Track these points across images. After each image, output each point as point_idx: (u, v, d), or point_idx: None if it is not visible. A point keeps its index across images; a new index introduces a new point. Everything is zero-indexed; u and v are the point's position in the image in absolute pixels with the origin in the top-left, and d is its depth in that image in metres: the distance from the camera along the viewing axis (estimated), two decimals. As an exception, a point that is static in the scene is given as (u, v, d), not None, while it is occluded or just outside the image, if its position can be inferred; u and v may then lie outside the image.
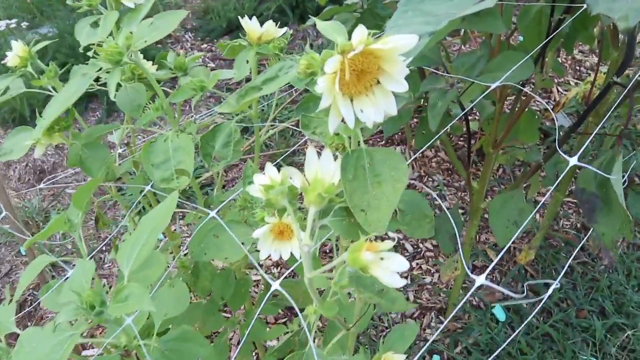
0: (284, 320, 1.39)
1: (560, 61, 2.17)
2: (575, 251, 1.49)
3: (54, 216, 1.69)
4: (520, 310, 1.38)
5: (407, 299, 1.41)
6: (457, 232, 0.92)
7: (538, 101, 2.06)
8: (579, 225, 1.59)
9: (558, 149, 0.65)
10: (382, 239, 0.50)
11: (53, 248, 1.71)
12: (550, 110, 1.94)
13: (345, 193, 0.48)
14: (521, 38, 1.06)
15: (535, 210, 0.68)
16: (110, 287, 1.46)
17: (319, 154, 0.49)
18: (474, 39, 1.55)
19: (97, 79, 0.86)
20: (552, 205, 1.31)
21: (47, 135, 0.79)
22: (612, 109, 0.71)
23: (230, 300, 0.92)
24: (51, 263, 0.79)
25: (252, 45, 0.72)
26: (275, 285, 0.59)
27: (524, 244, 1.41)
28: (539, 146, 1.81)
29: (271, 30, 0.72)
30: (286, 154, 1.78)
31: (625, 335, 1.34)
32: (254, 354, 1.29)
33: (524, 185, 1.03)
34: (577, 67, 2.26)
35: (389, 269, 0.44)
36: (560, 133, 1.95)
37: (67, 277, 0.62)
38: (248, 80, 0.56)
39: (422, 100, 1.13)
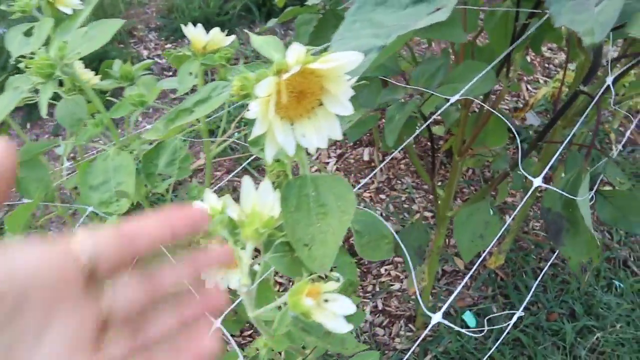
0: (249, 332, 1.34)
1: (529, 59, 2.16)
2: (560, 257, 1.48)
3: None
4: (491, 315, 1.36)
5: (376, 307, 1.37)
6: (421, 246, 0.89)
7: (507, 99, 2.04)
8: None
9: (520, 162, 0.62)
10: (326, 277, 0.46)
11: None
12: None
13: (287, 226, 0.43)
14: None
15: (507, 224, 0.65)
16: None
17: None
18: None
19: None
20: (522, 210, 1.29)
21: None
22: (582, 119, 0.68)
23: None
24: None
25: (196, 55, 0.67)
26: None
27: (494, 248, 1.39)
28: (508, 146, 1.79)
29: (217, 38, 0.67)
30: (252, 157, 1.73)
31: (595, 337, 1.33)
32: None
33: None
34: (546, 65, 2.25)
35: (334, 313, 0.40)
36: (530, 132, 1.94)
37: None
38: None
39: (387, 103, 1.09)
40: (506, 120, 0.65)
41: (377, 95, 0.81)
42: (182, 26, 0.67)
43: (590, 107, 0.61)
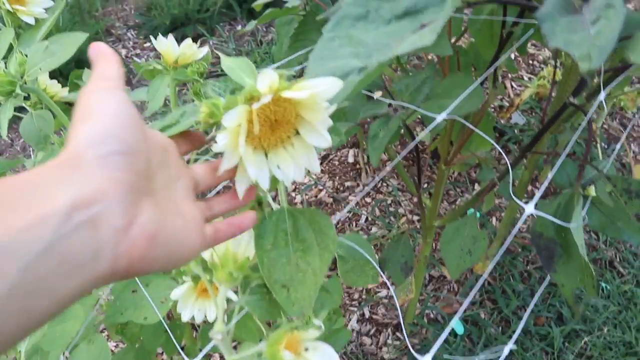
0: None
1: (512, 56, 2.14)
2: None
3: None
4: (479, 321, 1.34)
5: (363, 315, 1.35)
6: (407, 262, 0.86)
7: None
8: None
9: (510, 181, 0.59)
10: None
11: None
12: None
13: (262, 266, 0.40)
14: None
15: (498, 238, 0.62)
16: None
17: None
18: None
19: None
20: (508, 213, 1.27)
21: None
22: (575, 136, 0.66)
23: (165, 345, 0.83)
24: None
25: (167, 69, 0.63)
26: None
27: (481, 252, 1.37)
28: (492, 151, 1.77)
29: (189, 52, 0.63)
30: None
31: (583, 341, 1.32)
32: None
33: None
34: (530, 62, 2.23)
35: (315, 364, 0.37)
36: (515, 131, 1.93)
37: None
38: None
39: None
40: (489, 140, 0.62)
41: (360, 108, 0.78)
42: (152, 38, 0.63)
43: (585, 122, 0.58)
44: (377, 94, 0.77)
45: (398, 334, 1.31)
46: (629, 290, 1.42)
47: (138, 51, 2.48)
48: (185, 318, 0.55)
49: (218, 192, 0.50)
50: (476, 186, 1.67)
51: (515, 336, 0.48)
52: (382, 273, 0.58)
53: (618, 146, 1.39)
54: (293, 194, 1.66)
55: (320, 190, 1.67)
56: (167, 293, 0.61)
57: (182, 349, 0.98)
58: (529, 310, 0.58)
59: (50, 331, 0.72)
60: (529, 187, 1.67)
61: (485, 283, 1.43)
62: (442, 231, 0.78)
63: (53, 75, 0.79)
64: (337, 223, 1.56)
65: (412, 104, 0.62)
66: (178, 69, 0.62)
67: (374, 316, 1.34)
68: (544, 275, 1.46)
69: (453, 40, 1.02)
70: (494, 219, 1.58)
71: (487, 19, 0.86)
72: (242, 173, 0.36)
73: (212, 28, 2.60)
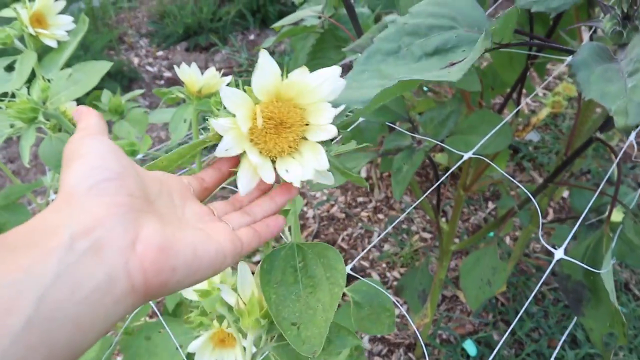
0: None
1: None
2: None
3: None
4: (492, 343, 1.32)
5: (374, 335, 1.33)
6: (425, 290, 0.85)
7: (506, 112, 2.01)
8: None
9: (534, 196, 0.58)
10: None
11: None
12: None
13: (269, 303, 0.38)
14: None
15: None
16: None
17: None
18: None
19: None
20: (524, 235, 1.25)
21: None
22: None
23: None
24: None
25: (190, 99, 0.62)
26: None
27: (495, 272, 1.35)
28: (508, 163, 1.76)
29: (213, 81, 0.62)
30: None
31: (598, 366, 1.30)
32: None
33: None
34: (545, 77, 2.21)
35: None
36: (529, 148, 1.91)
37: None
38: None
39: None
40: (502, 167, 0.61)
41: (378, 133, 0.77)
42: (176, 67, 0.62)
43: (616, 175, 0.57)
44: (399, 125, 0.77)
45: (410, 354, 1.29)
46: (645, 314, 1.40)
47: (150, 59, 2.48)
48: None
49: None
50: (489, 204, 1.66)
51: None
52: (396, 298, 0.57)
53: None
54: (305, 209, 1.66)
55: (332, 205, 1.66)
56: (184, 339, 0.59)
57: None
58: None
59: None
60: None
61: (498, 304, 1.41)
62: (462, 260, 0.77)
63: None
64: (350, 239, 1.55)
65: (436, 137, 0.61)
66: (202, 99, 0.62)
67: (386, 336, 1.33)
68: (558, 296, 1.44)
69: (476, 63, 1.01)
70: (507, 238, 1.57)
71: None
72: (246, 170, 0.36)
73: (225, 37, 2.60)
